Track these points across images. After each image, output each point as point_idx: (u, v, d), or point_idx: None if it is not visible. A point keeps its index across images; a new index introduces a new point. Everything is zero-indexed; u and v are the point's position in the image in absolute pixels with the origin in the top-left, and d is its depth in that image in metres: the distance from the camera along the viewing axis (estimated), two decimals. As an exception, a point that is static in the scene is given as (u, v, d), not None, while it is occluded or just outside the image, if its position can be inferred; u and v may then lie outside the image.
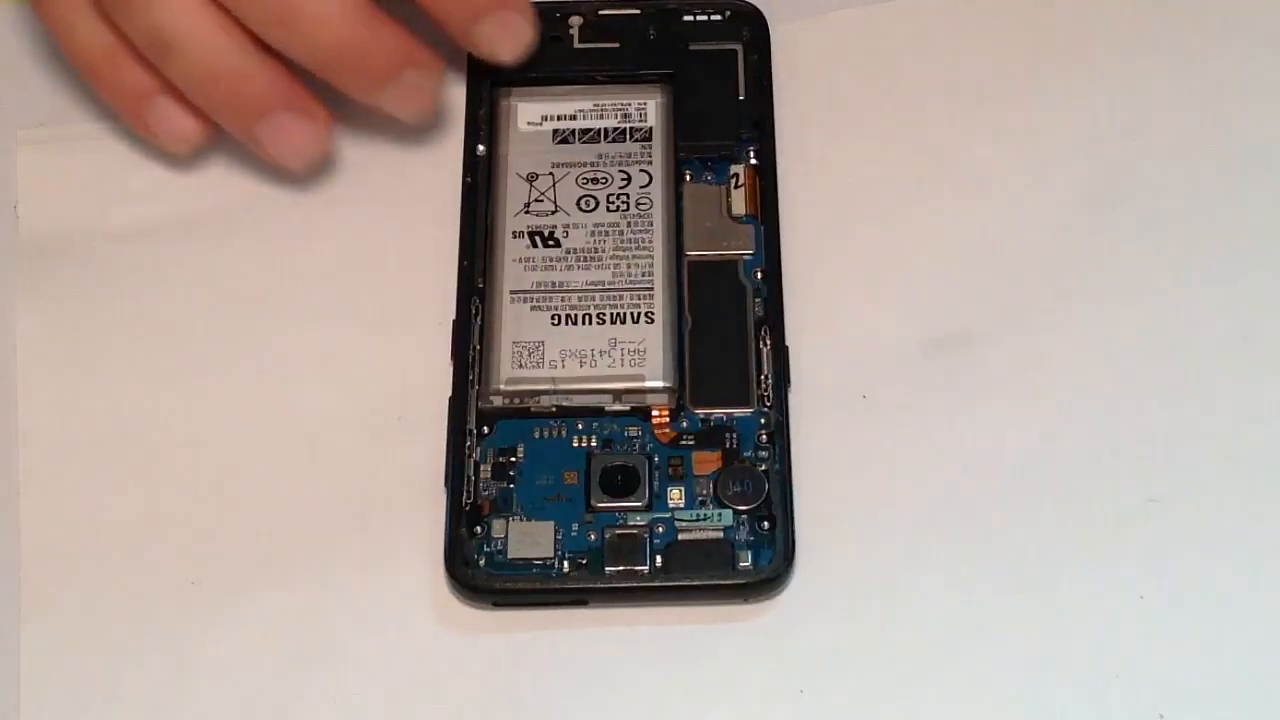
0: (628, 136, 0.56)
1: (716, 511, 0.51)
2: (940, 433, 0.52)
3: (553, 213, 0.55)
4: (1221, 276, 0.55)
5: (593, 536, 0.50)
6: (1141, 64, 0.58)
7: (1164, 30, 0.58)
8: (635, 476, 0.51)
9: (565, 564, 0.50)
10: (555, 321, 0.53)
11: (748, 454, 0.51)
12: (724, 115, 0.56)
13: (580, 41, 0.57)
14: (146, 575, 0.51)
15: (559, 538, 0.50)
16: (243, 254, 0.55)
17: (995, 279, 0.55)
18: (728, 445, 0.51)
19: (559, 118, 0.56)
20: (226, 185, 0.56)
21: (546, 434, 0.52)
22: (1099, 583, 0.50)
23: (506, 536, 0.50)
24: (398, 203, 0.56)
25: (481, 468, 0.51)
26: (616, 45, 0.57)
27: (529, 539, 0.50)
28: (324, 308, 0.54)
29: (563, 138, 0.56)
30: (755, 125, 0.56)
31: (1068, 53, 0.58)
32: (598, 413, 0.52)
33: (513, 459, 0.51)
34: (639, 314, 0.53)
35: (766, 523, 0.50)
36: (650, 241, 0.54)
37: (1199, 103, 0.57)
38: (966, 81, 0.57)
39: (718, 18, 0.58)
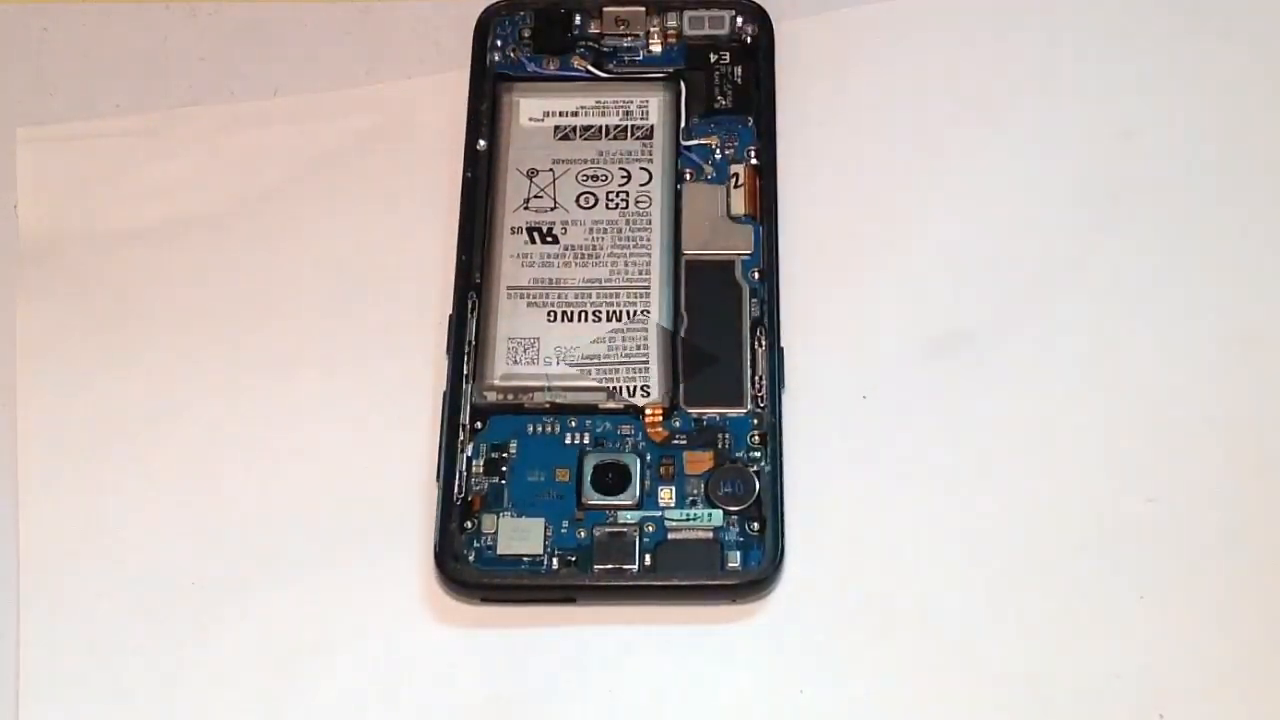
0: (629, 134, 0.56)
1: (707, 511, 0.50)
2: (938, 433, 0.52)
3: (552, 209, 0.55)
4: (1220, 277, 0.54)
5: (582, 534, 0.50)
6: (1139, 65, 0.57)
7: (1162, 32, 0.58)
8: (626, 475, 0.51)
9: (555, 561, 0.50)
10: (551, 318, 0.53)
11: (739, 455, 0.51)
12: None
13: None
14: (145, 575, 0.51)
15: (549, 534, 0.50)
16: (241, 250, 0.56)
17: (995, 279, 0.54)
18: (720, 446, 0.51)
19: (560, 114, 0.56)
20: (225, 184, 0.57)
21: (539, 430, 0.52)
22: (1099, 583, 0.50)
23: (497, 532, 0.50)
24: (398, 197, 0.56)
25: (474, 463, 0.51)
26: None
27: (519, 535, 0.50)
28: (322, 302, 0.55)
29: (564, 134, 0.56)
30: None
31: (1067, 53, 0.58)
32: (591, 410, 0.52)
33: (505, 455, 0.51)
34: (635, 312, 0.53)
35: (756, 524, 0.50)
36: (648, 240, 0.54)
37: (1196, 104, 0.57)
38: (968, 82, 0.57)
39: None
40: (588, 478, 0.51)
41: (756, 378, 0.52)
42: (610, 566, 0.50)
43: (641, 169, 0.55)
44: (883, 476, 0.52)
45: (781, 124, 0.56)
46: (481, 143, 0.56)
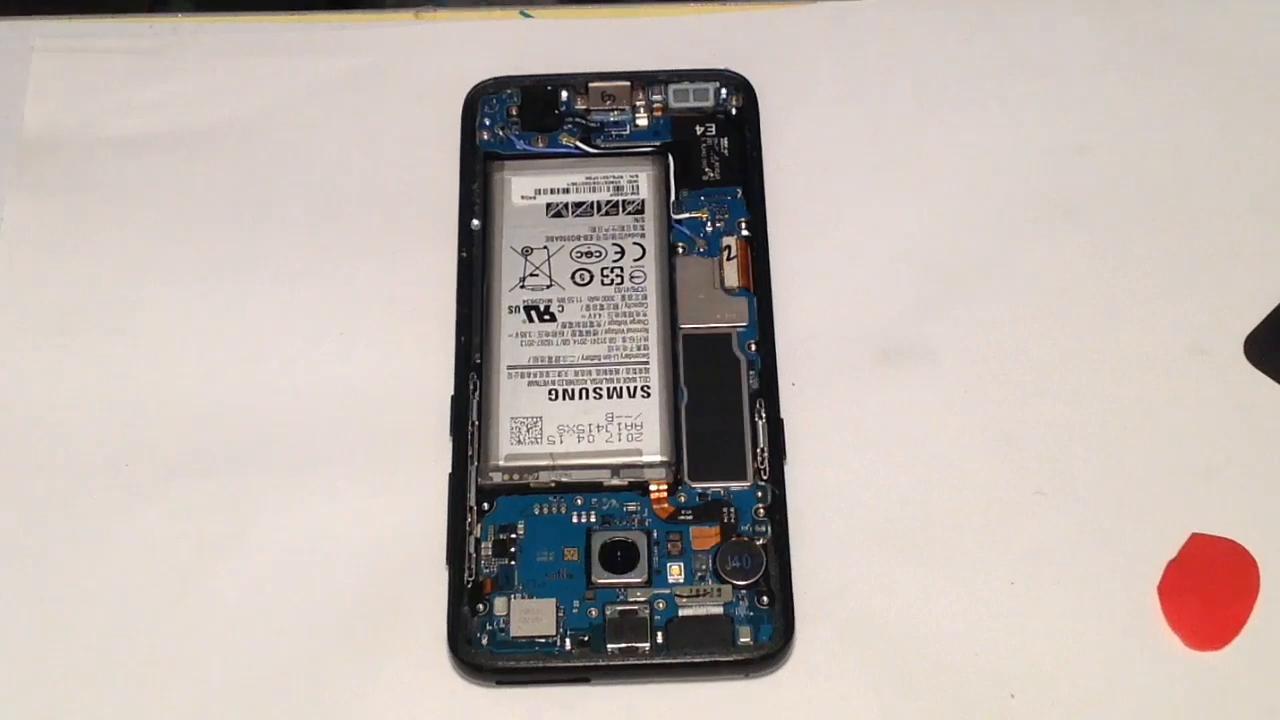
0: (620, 209, 0.56)
1: (716, 587, 0.51)
2: (943, 493, 0.53)
3: (548, 286, 0.55)
4: (1173, 289, 0.56)
5: (594, 613, 0.51)
6: (1096, 83, 0.59)
7: (1123, 53, 0.59)
8: (635, 552, 0.51)
9: (567, 641, 0.50)
10: (553, 396, 0.53)
11: (745, 528, 0.52)
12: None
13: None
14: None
15: (561, 615, 0.51)
16: (227, 326, 0.56)
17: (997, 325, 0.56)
18: (726, 520, 0.52)
19: (551, 191, 0.57)
20: (214, 250, 0.57)
21: (546, 510, 0.52)
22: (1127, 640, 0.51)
23: (509, 614, 0.51)
24: (393, 279, 0.56)
25: (483, 545, 0.52)
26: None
27: (531, 617, 0.51)
28: (322, 388, 0.55)
29: (556, 211, 0.56)
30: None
31: (1036, 75, 0.59)
32: (596, 488, 0.52)
33: (513, 536, 0.52)
34: (635, 388, 0.53)
35: (766, 598, 0.51)
36: (645, 315, 0.54)
37: (1148, 122, 0.58)
38: (955, 142, 0.58)
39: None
40: (596, 556, 0.51)
41: (758, 450, 0.53)
42: (623, 646, 0.50)
43: (635, 244, 0.56)
44: (888, 542, 0.52)
45: (771, 193, 0.57)
46: (475, 222, 0.56)
